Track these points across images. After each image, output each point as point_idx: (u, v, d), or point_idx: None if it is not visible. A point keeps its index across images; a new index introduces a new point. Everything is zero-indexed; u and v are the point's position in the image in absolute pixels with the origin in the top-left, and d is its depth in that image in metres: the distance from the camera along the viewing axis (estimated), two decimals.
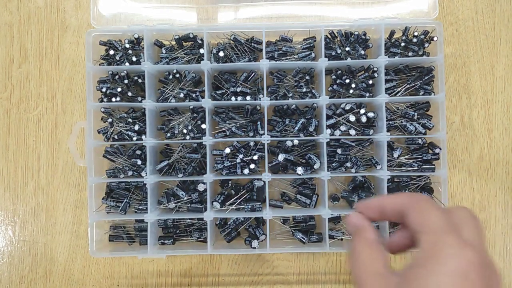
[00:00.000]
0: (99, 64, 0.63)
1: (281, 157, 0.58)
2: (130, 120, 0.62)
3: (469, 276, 0.28)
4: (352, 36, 0.62)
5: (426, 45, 0.62)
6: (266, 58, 0.60)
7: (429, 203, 0.33)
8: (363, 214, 0.36)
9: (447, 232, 0.30)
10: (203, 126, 0.60)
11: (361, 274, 0.32)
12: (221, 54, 0.61)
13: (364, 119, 0.60)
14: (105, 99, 0.62)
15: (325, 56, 0.59)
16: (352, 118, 0.59)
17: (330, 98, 0.60)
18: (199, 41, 0.63)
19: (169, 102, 0.62)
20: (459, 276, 0.28)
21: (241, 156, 0.60)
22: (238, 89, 0.61)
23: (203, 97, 0.59)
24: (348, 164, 0.60)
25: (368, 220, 0.36)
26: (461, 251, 0.29)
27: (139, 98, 0.62)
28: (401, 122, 0.61)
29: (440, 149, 0.60)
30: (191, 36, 0.63)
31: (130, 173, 0.61)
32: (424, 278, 0.28)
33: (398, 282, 0.30)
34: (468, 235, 0.32)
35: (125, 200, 0.61)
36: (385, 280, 0.31)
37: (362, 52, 0.62)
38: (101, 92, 0.62)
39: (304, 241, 0.60)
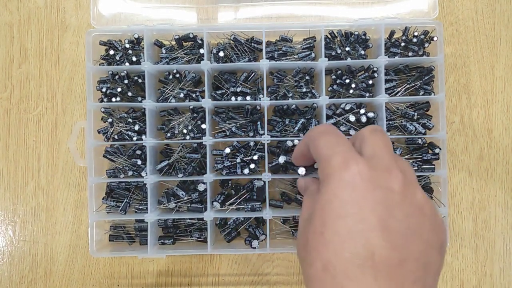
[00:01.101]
0: (99, 64, 0.63)
1: (281, 159, 0.58)
2: (130, 120, 0.62)
3: (356, 185, 0.29)
4: (352, 36, 0.62)
5: (426, 45, 0.62)
6: (266, 58, 0.60)
7: (320, 134, 0.34)
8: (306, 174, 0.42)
9: (334, 155, 0.31)
10: (203, 126, 0.60)
11: (301, 218, 0.36)
12: (221, 54, 0.61)
13: (364, 119, 0.60)
14: (105, 99, 0.62)
15: (325, 56, 0.59)
16: (352, 118, 0.59)
17: (330, 98, 0.60)
18: (199, 41, 0.63)
19: (169, 102, 0.62)
20: (345, 189, 0.29)
21: (241, 156, 0.60)
22: (238, 89, 0.61)
23: (203, 97, 0.59)
24: None
25: (312, 179, 0.40)
26: (346, 167, 0.30)
27: (139, 98, 0.62)
28: (401, 122, 0.61)
29: (440, 149, 0.60)
30: (191, 36, 0.63)
31: (130, 173, 0.61)
32: (321, 203, 0.30)
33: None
34: (366, 150, 0.33)
35: (125, 200, 0.61)
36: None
37: (362, 52, 0.62)
38: (101, 92, 0.62)
39: None
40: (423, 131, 0.61)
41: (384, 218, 0.28)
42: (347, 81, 0.61)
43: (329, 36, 0.63)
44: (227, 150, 0.60)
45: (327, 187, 0.30)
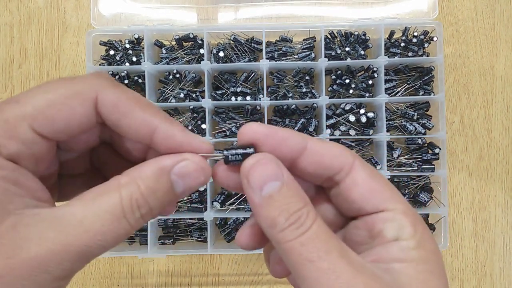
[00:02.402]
0: (100, 64, 0.63)
1: None
2: None
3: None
4: (352, 36, 0.62)
5: (426, 45, 0.62)
6: (266, 58, 0.60)
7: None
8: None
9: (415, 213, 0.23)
10: (203, 126, 0.60)
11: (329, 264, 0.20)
12: (221, 54, 0.61)
13: (364, 119, 0.60)
14: None
15: (325, 56, 0.59)
16: (352, 118, 0.59)
17: (330, 98, 0.61)
18: (199, 41, 0.63)
19: (169, 102, 0.62)
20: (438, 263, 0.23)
21: None
22: (238, 89, 0.61)
23: (203, 97, 0.59)
24: None
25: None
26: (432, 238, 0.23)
27: None
28: (401, 122, 0.61)
29: (440, 149, 0.60)
30: (191, 36, 0.63)
31: None
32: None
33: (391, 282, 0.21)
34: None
35: None
36: (371, 272, 0.20)
37: (362, 52, 0.62)
38: None
39: None
40: (423, 131, 0.61)
41: None
42: (347, 81, 0.61)
43: (329, 36, 0.63)
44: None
45: (432, 267, 0.21)
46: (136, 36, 0.63)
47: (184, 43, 0.64)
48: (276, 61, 0.62)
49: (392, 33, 0.63)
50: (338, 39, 0.63)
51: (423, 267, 0.21)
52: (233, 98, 0.61)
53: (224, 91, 0.62)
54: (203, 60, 0.59)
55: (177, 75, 0.62)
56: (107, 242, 0.20)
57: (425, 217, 0.62)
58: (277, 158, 0.22)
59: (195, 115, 0.62)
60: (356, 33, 0.62)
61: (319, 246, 0.20)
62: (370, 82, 0.61)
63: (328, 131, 0.59)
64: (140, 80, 0.62)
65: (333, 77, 0.63)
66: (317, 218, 0.21)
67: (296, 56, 0.62)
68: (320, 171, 0.23)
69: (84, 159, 0.26)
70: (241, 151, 0.22)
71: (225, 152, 0.23)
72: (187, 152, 0.22)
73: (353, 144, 0.61)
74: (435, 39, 0.61)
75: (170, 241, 0.62)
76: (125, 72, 0.62)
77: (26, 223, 0.19)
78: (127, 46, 0.63)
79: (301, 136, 0.23)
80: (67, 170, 0.25)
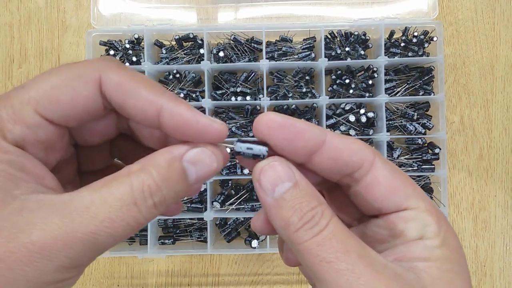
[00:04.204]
0: None
1: None
2: None
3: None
4: (352, 36, 0.62)
5: (426, 45, 0.62)
6: (266, 58, 0.60)
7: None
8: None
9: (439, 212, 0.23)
10: None
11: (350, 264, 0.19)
12: (221, 54, 0.61)
13: (364, 119, 0.60)
14: None
15: (325, 56, 0.59)
16: (352, 118, 0.59)
17: (330, 98, 0.61)
18: (199, 41, 0.63)
19: None
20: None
21: None
22: (238, 89, 0.61)
23: (203, 97, 0.59)
24: None
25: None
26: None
27: None
28: (401, 122, 0.61)
29: (440, 149, 0.60)
30: (191, 36, 0.63)
31: None
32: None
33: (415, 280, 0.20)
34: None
35: None
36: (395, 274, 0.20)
37: (362, 52, 0.62)
38: None
39: None
40: (423, 131, 0.61)
41: None
42: (347, 81, 0.61)
43: (329, 36, 0.63)
44: (227, 150, 0.60)
45: (459, 269, 0.21)
46: (136, 36, 0.63)
47: (184, 43, 0.64)
48: (276, 61, 0.62)
49: (392, 33, 0.63)
50: (338, 39, 0.63)
51: (447, 267, 0.21)
52: (233, 98, 0.61)
53: (224, 91, 0.62)
54: (203, 60, 0.59)
55: (177, 75, 0.62)
56: (116, 230, 0.19)
57: None
58: (293, 151, 0.22)
59: None
60: (356, 33, 0.62)
61: (337, 246, 0.19)
62: (370, 82, 0.61)
63: None
64: None
65: (333, 77, 0.63)
66: (333, 217, 0.20)
67: (296, 56, 0.62)
68: (338, 168, 0.22)
69: (104, 153, 0.26)
70: (252, 146, 0.22)
71: (235, 145, 0.23)
72: (199, 137, 0.22)
73: None
74: (435, 39, 0.61)
75: (170, 241, 0.62)
76: None
77: (31, 208, 0.19)
78: (127, 46, 0.63)
79: (319, 129, 0.22)
80: (87, 166, 0.25)
